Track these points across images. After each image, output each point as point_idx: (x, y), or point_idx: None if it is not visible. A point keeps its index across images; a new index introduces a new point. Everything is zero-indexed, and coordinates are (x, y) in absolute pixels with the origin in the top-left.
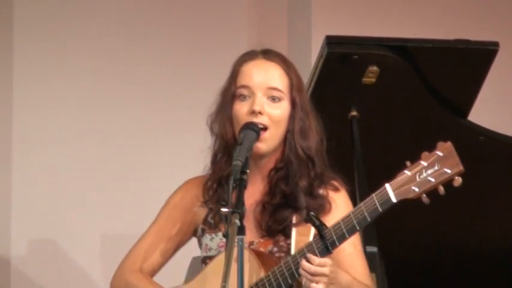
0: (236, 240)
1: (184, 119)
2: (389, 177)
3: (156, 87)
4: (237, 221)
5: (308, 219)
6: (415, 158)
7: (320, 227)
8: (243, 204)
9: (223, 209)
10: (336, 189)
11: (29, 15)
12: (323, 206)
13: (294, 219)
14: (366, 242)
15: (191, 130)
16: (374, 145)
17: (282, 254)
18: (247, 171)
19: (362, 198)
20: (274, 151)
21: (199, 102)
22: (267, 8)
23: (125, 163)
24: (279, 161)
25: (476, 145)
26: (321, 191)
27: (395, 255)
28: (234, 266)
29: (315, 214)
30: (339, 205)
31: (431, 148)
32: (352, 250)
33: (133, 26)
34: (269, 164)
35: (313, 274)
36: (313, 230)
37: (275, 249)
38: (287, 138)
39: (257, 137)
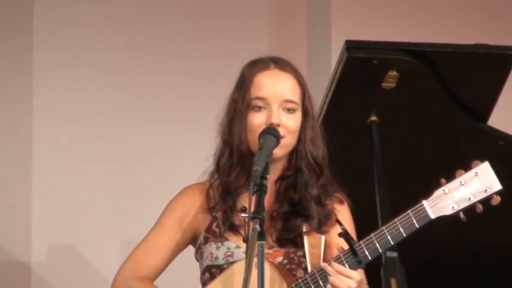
0: (256, 246)
1: (199, 125)
2: (409, 182)
3: (172, 94)
4: (257, 227)
5: (342, 234)
6: (435, 163)
7: (351, 241)
8: (263, 209)
9: (243, 214)
10: (341, 202)
11: (49, 20)
12: (330, 216)
13: (304, 228)
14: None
15: (206, 136)
16: (394, 150)
17: (293, 266)
18: (268, 176)
19: (382, 202)
20: (283, 159)
21: (215, 110)
22: (287, 13)
23: (147, 171)
24: (286, 169)
25: (496, 149)
26: (327, 202)
27: (415, 261)
28: (253, 273)
29: (326, 226)
30: (344, 217)
31: (451, 153)
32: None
33: (150, 33)
34: (276, 172)
35: (338, 285)
36: (323, 241)
37: (285, 261)
38: (296, 147)
39: (277, 143)
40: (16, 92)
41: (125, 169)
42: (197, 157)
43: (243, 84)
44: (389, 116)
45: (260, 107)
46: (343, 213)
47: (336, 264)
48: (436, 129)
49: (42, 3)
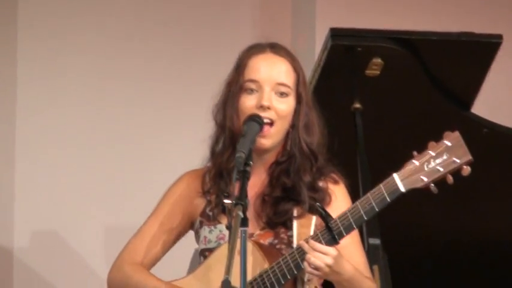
0: (239, 232)
1: (186, 113)
2: (393, 169)
3: (158, 83)
4: (240, 213)
5: (314, 210)
6: (418, 150)
7: (326, 218)
8: (246, 196)
9: (226, 201)
10: (336, 182)
11: (33, 13)
12: (323, 199)
13: (295, 213)
14: (368, 234)
15: (194, 124)
16: (377, 137)
17: (283, 246)
18: (251, 163)
19: (365, 190)
20: (277, 145)
21: (202, 97)
22: (271, 1)
23: (128, 157)
24: (281, 155)
25: (480, 137)
26: (321, 184)
27: (397, 247)
28: (237, 259)
29: (323, 205)
30: (339, 197)
31: (435, 139)
32: (349, 241)
33: (136, 23)
34: (271, 157)
35: (313, 262)
36: (314, 222)
37: (276, 241)
38: (291, 133)
39: (260, 129)
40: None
41: (109, 156)
42: (188, 145)
43: (239, 67)
44: (373, 103)
45: (252, 90)
46: (338, 193)
47: (311, 241)
48: (420, 116)
49: None
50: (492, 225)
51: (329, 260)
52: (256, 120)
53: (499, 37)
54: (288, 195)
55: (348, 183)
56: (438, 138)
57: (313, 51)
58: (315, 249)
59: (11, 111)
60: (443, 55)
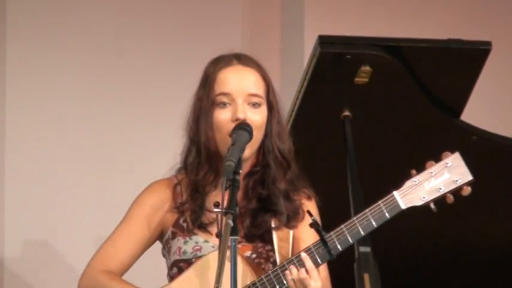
0: (230, 240)
1: (167, 124)
2: (382, 177)
3: (147, 83)
4: (230, 222)
5: (313, 225)
6: (407, 158)
7: (323, 234)
8: (236, 204)
9: (216, 209)
10: (309, 198)
11: (23, 10)
12: (299, 211)
13: (273, 224)
14: (359, 242)
15: (173, 135)
16: (366, 145)
17: (262, 260)
18: (240, 171)
19: (355, 198)
20: (252, 156)
21: (182, 109)
22: (261, 7)
23: (119, 163)
24: (254, 165)
25: (469, 144)
26: (295, 197)
27: (388, 256)
28: (225, 267)
29: (295, 221)
30: (313, 211)
31: (425, 148)
32: (325, 274)
33: (125, 22)
34: (245, 169)
35: (297, 280)
36: (291, 236)
37: (254, 255)
38: (263, 142)
39: (250, 138)
40: None
41: (100, 162)
42: (165, 154)
43: (207, 81)
44: (362, 111)
45: (225, 103)
46: (311, 208)
47: (303, 254)
48: (409, 124)
49: None
50: (483, 233)
51: (319, 284)
52: (245, 129)
53: (488, 44)
54: (264, 205)
55: (338, 190)
56: (426, 146)
57: (302, 59)
58: (310, 271)
59: (1, 111)
60: (432, 62)
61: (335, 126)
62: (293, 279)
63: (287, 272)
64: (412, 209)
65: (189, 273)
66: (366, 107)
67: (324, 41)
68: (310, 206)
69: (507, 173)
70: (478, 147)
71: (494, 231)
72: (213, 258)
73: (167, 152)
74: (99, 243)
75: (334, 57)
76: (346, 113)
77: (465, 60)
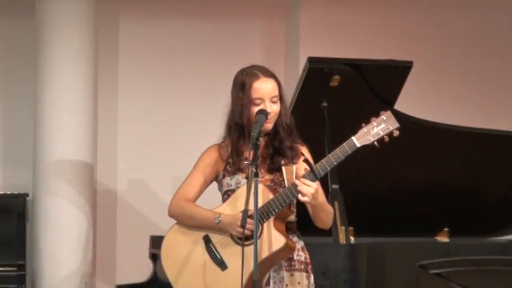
0: (254, 180)
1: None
2: (345, 136)
3: (197, 84)
4: (254, 169)
5: (305, 160)
6: (360, 125)
7: (311, 164)
8: (258, 158)
9: (246, 162)
10: (302, 145)
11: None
12: (297, 153)
13: (283, 162)
14: (332, 181)
15: (217, 118)
16: (337, 121)
17: (277, 187)
18: (260, 139)
19: (329, 148)
20: (272, 127)
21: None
22: (272, 42)
23: (191, 133)
24: (272, 131)
25: (400, 123)
26: (295, 145)
27: (349, 190)
28: (252, 196)
29: (295, 159)
30: (306, 154)
31: (370, 121)
32: (319, 187)
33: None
34: (269, 131)
35: (303, 190)
36: (295, 169)
37: (272, 184)
38: (277, 119)
39: (266, 119)
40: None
41: (181, 134)
42: (216, 128)
43: (245, 87)
44: (335, 103)
45: (259, 103)
46: (304, 151)
47: (302, 179)
48: (362, 110)
49: None
50: (410, 176)
51: (312, 190)
52: (264, 113)
53: (410, 63)
54: (277, 151)
55: (319, 144)
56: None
57: (297, 72)
58: (304, 183)
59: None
60: (377, 73)
61: (318, 112)
62: (300, 190)
63: (300, 185)
64: (366, 158)
65: (233, 198)
66: (336, 100)
67: (312, 60)
68: (304, 150)
69: (418, 137)
70: (405, 125)
71: (416, 175)
72: (244, 190)
73: (217, 127)
74: (176, 180)
75: (317, 70)
76: (325, 104)
77: (396, 72)
